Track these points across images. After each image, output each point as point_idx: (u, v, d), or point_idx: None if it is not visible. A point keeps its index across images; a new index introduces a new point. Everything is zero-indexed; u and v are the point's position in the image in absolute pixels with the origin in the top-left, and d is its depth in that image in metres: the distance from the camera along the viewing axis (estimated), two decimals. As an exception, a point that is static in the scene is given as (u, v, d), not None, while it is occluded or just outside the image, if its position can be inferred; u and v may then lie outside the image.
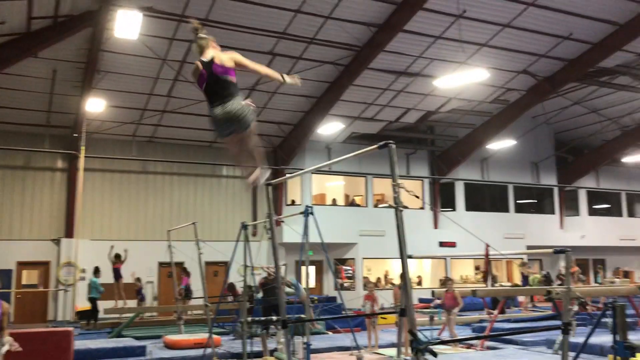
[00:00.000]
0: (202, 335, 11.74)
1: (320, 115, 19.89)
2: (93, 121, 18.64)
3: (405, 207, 5.05)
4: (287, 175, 21.92)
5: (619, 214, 29.18)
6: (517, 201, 26.58)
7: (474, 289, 13.31)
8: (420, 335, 4.49)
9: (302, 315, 9.50)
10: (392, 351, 9.92)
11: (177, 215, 20.81)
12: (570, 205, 28.06)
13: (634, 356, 4.26)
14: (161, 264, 20.20)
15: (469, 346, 11.55)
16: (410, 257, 5.82)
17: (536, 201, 27.46)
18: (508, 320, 14.81)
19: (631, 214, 29.67)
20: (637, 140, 25.63)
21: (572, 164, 27.88)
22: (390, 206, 5.45)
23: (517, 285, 18.96)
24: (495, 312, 13.42)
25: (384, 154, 4.86)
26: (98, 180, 20.29)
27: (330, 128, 20.59)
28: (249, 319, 9.49)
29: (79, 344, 10.31)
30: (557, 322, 11.84)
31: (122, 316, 16.12)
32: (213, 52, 4.93)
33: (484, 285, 18.58)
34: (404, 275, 4.78)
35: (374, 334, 11.55)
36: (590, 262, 28.39)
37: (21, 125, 18.99)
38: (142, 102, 18.82)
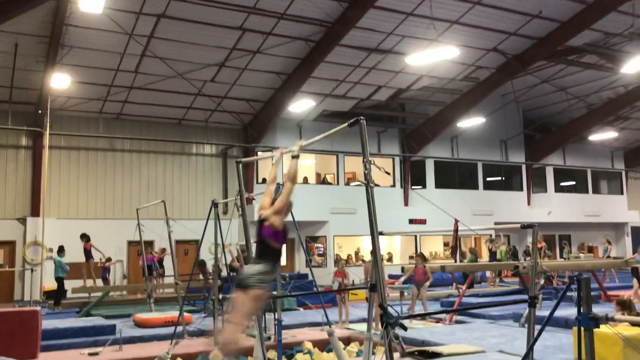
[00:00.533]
0: (172, 314, 11.69)
1: (291, 92, 19.74)
2: (58, 97, 18.17)
3: (376, 185, 5.05)
4: (259, 153, 21.93)
5: (585, 191, 29.84)
6: (486, 178, 26.94)
7: (443, 264, 13.49)
8: (390, 310, 4.52)
9: (274, 292, 9.50)
10: (363, 326, 10.02)
11: (146, 193, 20.56)
12: (537, 182, 28.57)
13: (598, 327, 4.37)
14: (130, 243, 19.96)
15: (438, 320, 11.74)
16: (381, 233, 5.84)
17: (504, 178, 27.87)
18: (476, 295, 15.10)
19: (596, 190, 30.36)
20: (603, 118, 26.11)
21: (539, 142, 28.32)
22: (361, 183, 5.46)
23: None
24: (464, 287, 13.64)
25: (355, 132, 4.84)
26: (64, 158, 19.88)
27: (301, 105, 20.46)
28: (220, 296, 9.46)
29: (47, 324, 10.17)
30: (524, 296, 12.11)
31: (91, 296, 15.95)
32: (267, 212, 4.94)
33: (453, 261, 18.86)
34: (374, 252, 4.80)
35: (344, 309, 11.66)
36: (556, 238, 29.03)
37: (-18, 102, 18.45)
38: (109, 78, 18.40)
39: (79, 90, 18.33)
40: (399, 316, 4.54)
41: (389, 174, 6.18)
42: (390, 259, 24.22)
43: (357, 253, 23.96)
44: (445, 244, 26.08)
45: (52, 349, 9.33)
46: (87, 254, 16.53)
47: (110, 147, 20.65)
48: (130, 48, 16.88)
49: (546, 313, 5.94)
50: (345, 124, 5.07)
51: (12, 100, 18.50)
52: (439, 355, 7.74)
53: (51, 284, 17.00)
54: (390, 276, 20.06)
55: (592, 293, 5.02)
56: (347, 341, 9.95)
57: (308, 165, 24.74)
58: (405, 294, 12.80)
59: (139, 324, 11.48)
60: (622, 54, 20.25)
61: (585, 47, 20.35)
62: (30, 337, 8.60)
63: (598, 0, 17.47)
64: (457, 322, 11.57)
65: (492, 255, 19.42)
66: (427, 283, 12.10)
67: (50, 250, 18.23)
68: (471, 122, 23.93)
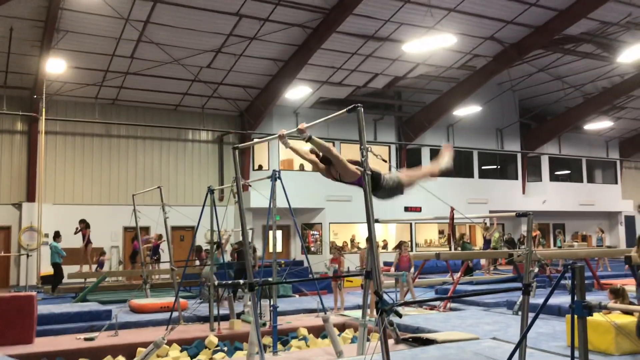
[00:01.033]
0: (168, 299, 11.73)
1: (287, 79, 19.68)
2: (53, 82, 18.08)
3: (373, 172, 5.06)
4: (255, 139, 21.87)
5: (579, 180, 29.93)
6: (482, 167, 26.99)
7: (438, 252, 13.55)
8: (385, 297, 4.55)
9: (269, 279, 9.55)
10: (358, 313, 10.09)
11: (142, 179, 20.56)
12: (532, 171, 28.64)
13: (591, 315, 4.42)
14: (126, 229, 19.97)
15: (432, 307, 11.82)
16: (376, 221, 5.86)
17: (500, 167, 27.93)
18: (470, 283, 15.17)
19: (591, 179, 30.46)
20: (598, 107, 26.15)
21: (535, 131, 28.36)
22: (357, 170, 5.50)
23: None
24: (458, 274, 13.71)
25: (352, 120, 4.85)
26: (60, 143, 19.83)
27: (297, 92, 20.42)
28: (216, 282, 9.50)
29: (43, 309, 10.20)
30: (518, 284, 12.20)
31: (87, 281, 15.98)
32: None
33: (448, 248, 18.93)
34: (370, 239, 4.82)
35: (340, 296, 11.72)
36: (550, 227, 29.17)
37: (-23, 86, 18.34)
38: (105, 64, 18.30)
39: (75, 76, 18.24)
40: (394, 303, 4.57)
41: (385, 161, 6.19)
42: (385, 247, 24.31)
43: (352, 240, 24.03)
44: (441, 232, 26.17)
45: (48, 333, 9.35)
46: (84, 238, 16.59)
47: (106, 132, 20.59)
48: (126, 33, 16.78)
49: (540, 301, 6.00)
50: (343, 111, 5.07)
51: (7, 85, 18.41)
52: (433, 341, 7.80)
53: (47, 269, 17.01)
54: (386, 263, 20.13)
55: (586, 282, 5.07)
56: (342, 328, 10.02)
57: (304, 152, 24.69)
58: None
59: (135, 310, 11.52)
60: (619, 44, 20.25)
61: (582, 36, 20.33)
62: (26, 322, 8.64)
63: (596, -11, 17.45)
64: (451, 309, 11.64)
65: (487, 243, 19.50)
66: (412, 270, 12.23)
67: (46, 235, 18.21)
68: (467, 111, 23.94)
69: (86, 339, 8.72)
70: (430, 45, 16.77)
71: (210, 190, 10.13)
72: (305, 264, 14.51)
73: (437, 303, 11.96)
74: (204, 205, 10.10)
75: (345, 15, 16.79)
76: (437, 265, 18.88)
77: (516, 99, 27.18)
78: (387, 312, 4.39)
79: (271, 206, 8.88)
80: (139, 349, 8.26)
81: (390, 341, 7.90)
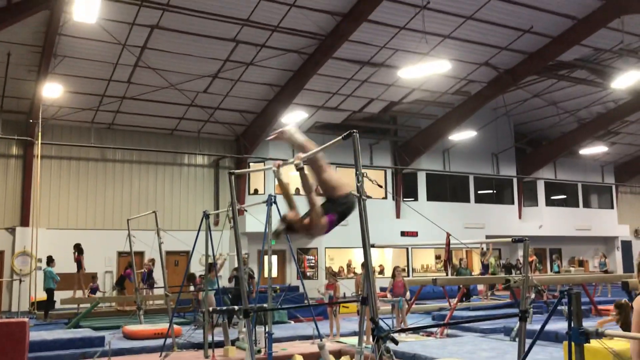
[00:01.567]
0: (162, 326, 11.60)
1: (284, 104, 19.77)
2: (50, 107, 18.11)
3: (369, 197, 5.04)
4: (251, 164, 21.91)
5: (575, 205, 29.96)
6: (478, 191, 27.02)
7: (435, 277, 13.49)
8: (381, 324, 4.50)
9: (264, 305, 9.47)
10: (354, 339, 9.98)
11: (137, 203, 20.48)
12: (528, 196, 28.68)
13: (588, 342, 4.36)
14: (120, 254, 19.82)
15: (429, 334, 11.72)
16: (372, 246, 5.83)
17: (496, 192, 27.96)
18: (467, 309, 15.09)
19: (587, 204, 30.49)
20: (593, 132, 26.30)
21: (530, 156, 28.47)
22: (353, 195, 5.47)
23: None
24: (455, 300, 13.63)
25: (347, 144, 4.85)
26: (55, 167, 19.79)
27: (293, 117, 20.46)
28: (211, 308, 9.41)
29: (35, 335, 10.07)
30: (515, 310, 12.11)
31: (80, 307, 15.81)
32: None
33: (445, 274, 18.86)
34: (366, 264, 4.78)
35: (335, 322, 11.62)
36: (547, 252, 29.11)
37: (-27, 110, 18.35)
38: (101, 88, 18.37)
39: (71, 100, 18.29)
40: (390, 330, 4.52)
41: (380, 186, 6.20)
42: (381, 272, 24.18)
43: (349, 265, 23.90)
44: (437, 257, 26.07)
45: (40, 361, 9.22)
46: (78, 264, 16.49)
47: (102, 157, 20.58)
48: (123, 58, 16.88)
49: (537, 327, 5.94)
50: (339, 138, 5.07)
51: (4, 109, 18.45)
52: (430, 369, 7.71)
53: (40, 295, 16.85)
54: (382, 289, 20.01)
55: (583, 307, 5.03)
56: (338, 354, 9.90)
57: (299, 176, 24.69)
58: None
59: (128, 336, 11.38)
60: (612, 70, 20.45)
61: (576, 63, 20.54)
62: (18, 349, 8.49)
63: (588, 17, 17.66)
64: (448, 335, 11.55)
65: (485, 267, 19.43)
66: (406, 296, 12.17)
67: (39, 260, 18.08)
68: (463, 135, 24.04)
69: (78, 367, 8.59)
70: (425, 71, 16.89)
71: (206, 215, 10.09)
72: (301, 290, 14.40)
73: (434, 329, 11.86)
74: (199, 230, 10.06)
75: (341, 41, 16.94)
76: (433, 290, 18.76)
77: (511, 124, 27.33)
78: (384, 339, 4.34)
79: (267, 231, 8.84)
80: (132, 377, 8.14)
81: (387, 368, 7.79)
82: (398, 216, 24.94)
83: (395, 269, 12.79)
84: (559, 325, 10.00)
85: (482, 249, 20.50)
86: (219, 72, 18.14)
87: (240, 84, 19.10)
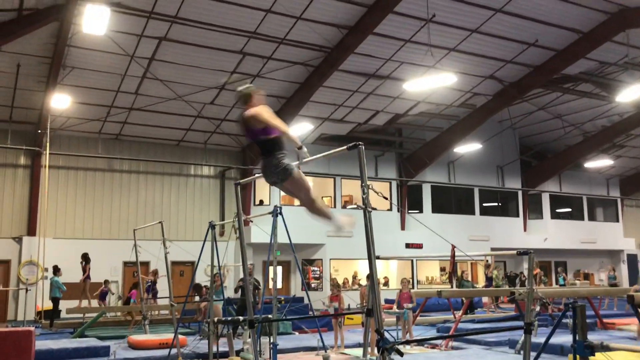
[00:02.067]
0: (167, 336, 11.63)
1: (289, 115, 19.86)
2: (58, 117, 18.25)
3: (374, 209, 5.09)
4: (257, 174, 21.94)
5: (581, 218, 29.90)
6: (483, 204, 27.00)
7: (440, 289, 13.48)
8: (387, 335, 4.53)
9: (269, 315, 9.49)
10: (359, 351, 9.99)
11: (144, 214, 20.57)
12: (533, 209, 28.64)
13: (593, 355, 4.39)
14: (126, 263, 19.90)
15: (434, 346, 11.70)
16: (377, 257, 5.87)
17: (501, 204, 27.93)
18: (472, 321, 15.05)
19: (592, 217, 30.43)
20: (598, 146, 26.29)
21: (536, 168, 28.46)
22: (358, 207, 5.52)
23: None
24: (460, 312, 13.61)
25: (352, 155, 4.90)
26: (62, 177, 19.92)
27: (299, 129, 20.53)
28: (216, 318, 9.44)
29: (40, 344, 10.12)
30: (520, 323, 12.08)
31: (85, 316, 15.86)
32: (249, 113, 5.48)
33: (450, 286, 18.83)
34: (371, 276, 4.82)
35: (340, 334, 11.61)
36: (552, 264, 29.01)
37: (-18, 120, 18.53)
38: (109, 99, 18.53)
39: (79, 111, 18.44)
40: (396, 341, 4.55)
41: (386, 198, 6.25)
42: (386, 284, 24.15)
43: (354, 277, 23.88)
44: (442, 269, 26.03)
45: (46, 370, 9.26)
46: (85, 272, 16.57)
47: (109, 167, 20.71)
48: (131, 70, 17.04)
49: (542, 340, 5.96)
50: (344, 148, 5.12)
51: (12, 119, 18.60)
52: (434, 381, 7.71)
53: (46, 304, 16.90)
54: (387, 301, 19.99)
55: (588, 320, 5.05)
56: (342, 366, 9.91)
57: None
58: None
59: (134, 346, 11.41)
60: (617, 83, 20.49)
61: (581, 76, 20.60)
62: (24, 358, 8.55)
63: (593, 30, 17.75)
64: (453, 348, 11.53)
65: (489, 280, 19.41)
66: (414, 303, 12.22)
67: (46, 270, 18.15)
68: (468, 148, 24.08)
69: (84, 376, 8.63)
70: (430, 83, 16.98)
71: (212, 226, 10.15)
72: (306, 301, 14.41)
73: (439, 342, 11.84)
74: (204, 241, 10.10)
75: (346, 54, 17.06)
76: (438, 302, 18.74)
77: (516, 137, 27.36)
78: (389, 351, 4.37)
79: (272, 242, 8.89)
80: (137, 386, 8.16)
81: (391, 380, 7.79)
82: (403, 228, 24.94)
83: (402, 280, 12.80)
84: (564, 338, 9.98)
85: (487, 261, 20.49)
86: (226, 84, 18.28)
87: (247, 95, 19.18)
